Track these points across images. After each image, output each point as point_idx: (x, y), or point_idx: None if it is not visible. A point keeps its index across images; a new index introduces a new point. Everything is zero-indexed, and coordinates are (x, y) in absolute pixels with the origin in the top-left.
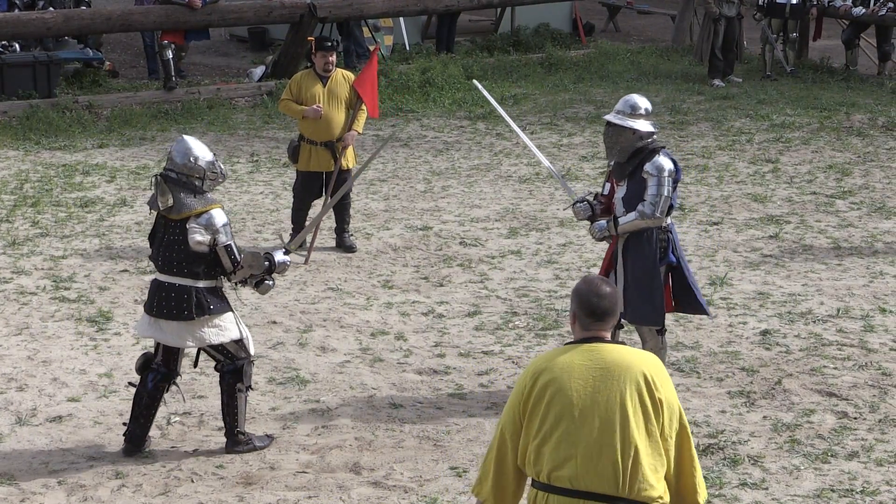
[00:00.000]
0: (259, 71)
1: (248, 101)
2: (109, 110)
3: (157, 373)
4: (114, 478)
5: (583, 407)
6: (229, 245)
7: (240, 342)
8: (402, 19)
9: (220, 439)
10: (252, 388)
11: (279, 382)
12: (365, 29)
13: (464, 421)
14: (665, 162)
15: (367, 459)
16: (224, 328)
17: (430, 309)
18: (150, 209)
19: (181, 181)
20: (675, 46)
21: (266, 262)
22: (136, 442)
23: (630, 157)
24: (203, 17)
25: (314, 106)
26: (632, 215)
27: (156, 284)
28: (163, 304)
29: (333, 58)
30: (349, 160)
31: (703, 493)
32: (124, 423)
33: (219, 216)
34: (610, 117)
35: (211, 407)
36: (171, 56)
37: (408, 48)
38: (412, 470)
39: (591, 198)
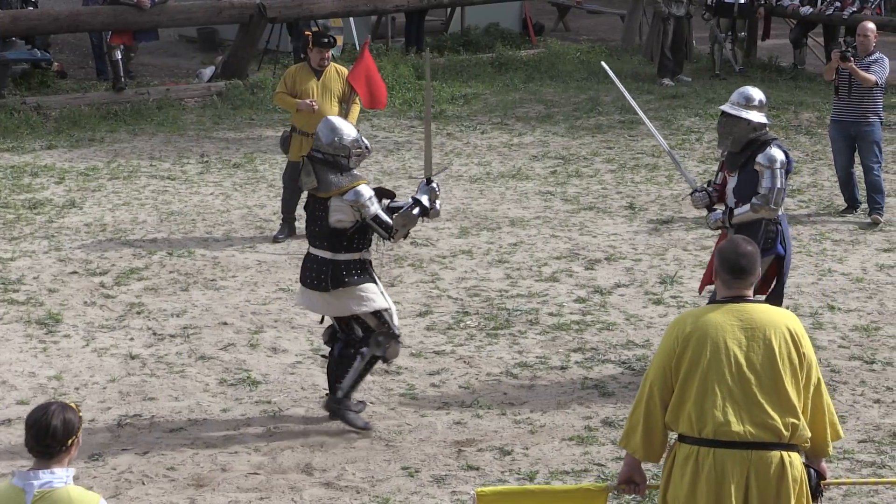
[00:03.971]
0: (209, 71)
1: (197, 101)
2: (58, 111)
3: (342, 341)
4: None
5: (739, 364)
6: (377, 215)
7: (380, 315)
8: (351, 19)
9: (171, 441)
10: (387, 361)
11: (230, 384)
12: (315, 29)
13: (416, 421)
14: (777, 153)
15: (319, 460)
16: (367, 298)
17: None
18: (300, 190)
19: (328, 160)
20: (625, 46)
21: (416, 211)
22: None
23: (743, 149)
24: (152, 17)
25: (309, 101)
26: (746, 207)
27: (306, 256)
28: (309, 274)
29: (329, 54)
30: None
31: (839, 433)
32: (327, 392)
33: (364, 191)
34: (725, 107)
35: (161, 409)
36: (119, 57)
37: (357, 48)
38: (364, 470)
39: (708, 187)
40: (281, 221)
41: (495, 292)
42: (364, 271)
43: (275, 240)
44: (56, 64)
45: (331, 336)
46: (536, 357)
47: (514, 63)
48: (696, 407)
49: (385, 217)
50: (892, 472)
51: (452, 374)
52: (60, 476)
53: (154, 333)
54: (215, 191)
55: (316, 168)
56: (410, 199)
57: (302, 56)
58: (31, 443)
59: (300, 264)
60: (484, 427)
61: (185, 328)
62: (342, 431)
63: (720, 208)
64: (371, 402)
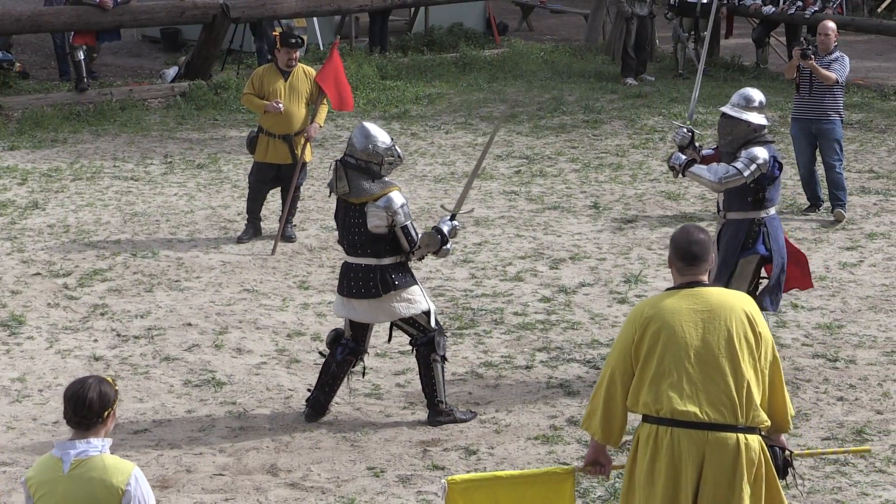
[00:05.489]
0: (172, 72)
1: (161, 102)
2: (20, 112)
3: (347, 347)
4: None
5: (697, 347)
6: (406, 226)
7: (429, 314)
8: (315, 19)
9: (135, 442)
10: (446, 360)
11: (195, 385)
12: (278, 29)
13: (381, 421)
14: (760, 151)
15: (285, 461)
16: (413, 301)
17: None
18: (329, 193)
19: (360, 166)
20: (588, 45)
21: (439, 237)
22: (318, 409)
23: (738, 148)
24: (114, 17)
25: (274, 102)
26: (703, 169)
27: (345, 266)
28: (352, 284)
29: (297, 54)
30: (307, 153)
31: (791, 411)
32: (309, 389)
33: (397, 198)
34: (726, 109)
35: (125, 410)
36: (82, 57)
37: (321, 48)
38: (329, 471)
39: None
40: (245, 222)
41: (460, 292)
42: (407, 272)
43: (239, 240)
44: (18, 64)
45: (334, 339)
46: (501, 356)
47: (478, 63)
48: (653, 388)
49: (414, 231)
50: (854, 468)
51: (417, 373)
52: (96, 445)
53: (118, 335)
54: (179, 191)
55: (348, 173)
56: (432, 229)
57: (269, 58)
58: (69, 414)
59: (263, 265)
60: (449, 426)
61: (149, 329)
62: (307, 432)
63: (686, 157)
64: (336, 403)
